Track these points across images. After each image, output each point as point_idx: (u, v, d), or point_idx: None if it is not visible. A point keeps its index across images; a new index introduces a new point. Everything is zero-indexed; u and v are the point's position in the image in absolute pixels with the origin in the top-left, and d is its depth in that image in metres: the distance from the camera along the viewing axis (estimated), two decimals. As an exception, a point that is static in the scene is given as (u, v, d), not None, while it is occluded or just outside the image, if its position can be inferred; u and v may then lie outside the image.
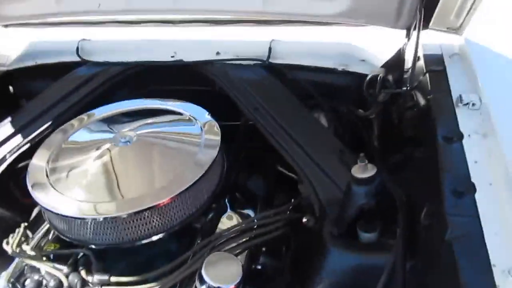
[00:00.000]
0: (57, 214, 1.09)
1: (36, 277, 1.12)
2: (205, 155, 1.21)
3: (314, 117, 1.40)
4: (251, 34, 1.60)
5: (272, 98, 1.42)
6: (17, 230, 1.30)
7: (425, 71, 1.29)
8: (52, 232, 1.27)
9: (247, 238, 1.24)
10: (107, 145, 1.24)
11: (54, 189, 1.14)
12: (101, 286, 1.02)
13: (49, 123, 1.51)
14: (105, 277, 1.03)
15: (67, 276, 1.06)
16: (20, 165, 1.49)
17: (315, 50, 1.53)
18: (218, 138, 1.26)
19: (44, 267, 1.09)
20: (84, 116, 1.44)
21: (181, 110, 1.37)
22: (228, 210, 1.39)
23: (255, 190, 1.49)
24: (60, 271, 1.07)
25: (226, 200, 1.40)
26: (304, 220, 1.27)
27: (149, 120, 1.35)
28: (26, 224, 1.30)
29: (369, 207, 1.04)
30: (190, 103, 1.40)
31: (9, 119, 1.56)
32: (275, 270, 1.34)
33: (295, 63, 1.50)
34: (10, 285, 1.15)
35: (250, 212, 1.40)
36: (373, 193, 1.03)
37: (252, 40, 1.57)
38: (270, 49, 1.52)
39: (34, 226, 1.33)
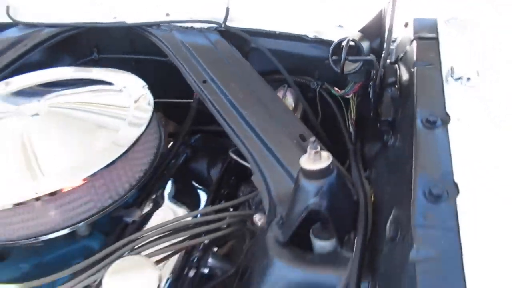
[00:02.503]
0: None
1: None
2: (128, 133, 0.97)
3: (275, 95, 1.14)
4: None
5: (226, 69, 1.17)
6: None
7: (412, 38, 1.03)
8: None
9: (181, 239, 1.01)
10: (7, 120, 1.00)
11: None
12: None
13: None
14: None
15: None
16: None
17: (282, 12, 1.26)
18: (149, 114, 1.02)
19: None
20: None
21: (110, 79, 1.13)
22: (167, 202, 1.15)
23: (204, 180, 1.25)
24: None
25: (165, 192, 1.16)
26: (256, 217, 1.04)
27: (67, 91, 1.10)
28: None
29: (321, 209, 0.79)
30: (125, 71, 1.15)
31: None
32: (226, 275, 1.11)
33: (257, 28, 1.24)
34: None
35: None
36: (326, 190, 0.79)
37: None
38: (227, 9, 1.26)
39: None
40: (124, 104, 1.05)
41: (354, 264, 0.75)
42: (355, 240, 0.80)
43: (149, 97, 1.07)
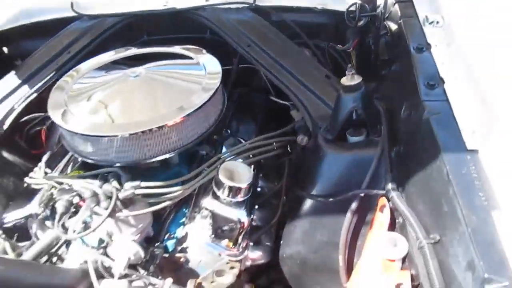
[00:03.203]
0: (84, 135, 1.20)
1: (66, 197, 1.21)
2: (209, 84, 1.35)
3: (300, 50, 1.57)
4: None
5: (262, 36, 1.58)
6: (35, 169, 1.41)
7: (394, 2, 1.48)
8: (72, 164, 1.39)
9: (251, 156, 1.41)
10: (119, 78, 1.36)
11: (76, 115, 1.26)
12: (135, 189, 1.14)
13: (53, 73, 1.60)
14: (137, 183, 1.16)
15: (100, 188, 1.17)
16: (28, 117, 1.59)
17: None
18: (219, 70, 1.40)
19: (77, 182, 1.20)
20: (92, 61, 1.54)
21: (185, 52, 1.50)
22: (230, 139, 1.54)
23: (249, 125, 1.65)
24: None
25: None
26: (299, 138, 1.45)
27: (161, 62, 1.46)
28: (45, 161, 1.42)
29: (357, 112, 1.22)
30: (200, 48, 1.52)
31: (11, 73, 1.64)
32: (272, 193, 1.51)
33: (279, 4, 1.66)
34: (42, 209, 1.26)
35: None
36: (360, 98, 1.22)
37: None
38: (256, -9, 1.68)
39: (52, 163, 1.44)
40: (200, 73, 1.42)
41: (384, 139, 1.19)
42: (382, 128, 1.24)
43: (218, 68, 1.44)
